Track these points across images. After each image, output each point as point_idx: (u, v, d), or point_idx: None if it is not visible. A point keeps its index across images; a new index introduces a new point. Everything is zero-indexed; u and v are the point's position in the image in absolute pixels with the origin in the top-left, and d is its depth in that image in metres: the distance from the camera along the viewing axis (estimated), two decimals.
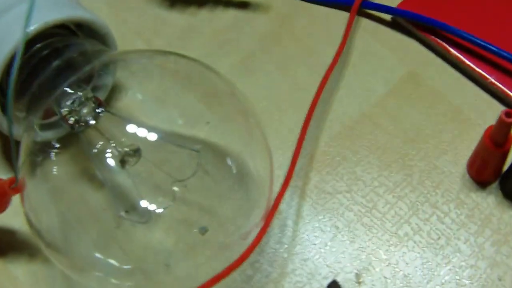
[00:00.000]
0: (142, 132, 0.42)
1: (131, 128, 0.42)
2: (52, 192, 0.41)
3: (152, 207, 0.41)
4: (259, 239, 0.38)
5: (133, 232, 0.42)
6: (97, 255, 0.40)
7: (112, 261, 0.40)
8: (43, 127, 0.43)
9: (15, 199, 0.41)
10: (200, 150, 0.42)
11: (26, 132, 0.40)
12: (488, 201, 0.45)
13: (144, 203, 0.41)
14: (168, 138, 0.42)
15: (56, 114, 0.42)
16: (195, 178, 0.41)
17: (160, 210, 0.41)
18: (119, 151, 0.41)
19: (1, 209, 0.42)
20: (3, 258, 0.46)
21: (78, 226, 0.41)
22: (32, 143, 0.40)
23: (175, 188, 0.41)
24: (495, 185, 0.45)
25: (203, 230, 0.41)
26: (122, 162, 0.41)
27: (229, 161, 0.42)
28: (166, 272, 0.40)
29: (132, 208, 0.41)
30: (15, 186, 0.40)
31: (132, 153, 0.41)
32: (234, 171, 0.42)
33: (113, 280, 0.40)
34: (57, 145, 0.42)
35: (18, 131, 0.41)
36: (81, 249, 0.40)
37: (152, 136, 0.42)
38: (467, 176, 0.46)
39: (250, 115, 0.42)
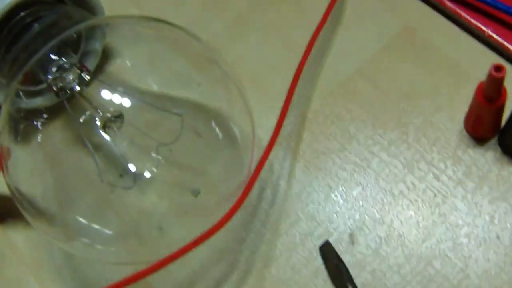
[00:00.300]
0: (126, 98, 0.40)
1: (115, 93, 0.41)
2: (41, 160, 0.40)
3: (139, 171, 0.40)
4: (242, 199, 0.36)
5: (125, 197, 0.40)
6: (89, 221, 0.39)
7: (105, 227, 0.39)
8: (31, 95, 0.42)
9: None
10: (183, 114, 0.40)
11: (7, 98, 0.38)
12: (487, 157, 0.42)
13: (131, 168, 0.40)
14: (152, 102, 0.41)
15: (42, 82, 0.40)
16: (182, 141, 0.39)
17: (147, 174, 0.39)
18: (103, 117, 0.39)
19: None
20: (2, 225, 0.45)
21: (68, 194, 0.40)
22: (15, 110, 0.39)
23: (161, 152, 0.39)
24: (493, 141, 0.42)
25: (196, 192, 0.39)
26: (106, 127, 0.39)
27: (213, 124, 0.41)
28: (159, 235, 0.39)
29: (120, 173, 0.40)
30: None
31: (115, 119, 0.39)
32: (219, 133, 0.41)
33: (99, 247, 0.39)
34: (45, 115, 0.41)
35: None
36: (71, 217, 0.39)
37: (137, 101, 0.41)
38: (465, 132, 0.43)
39: (233, 81, 0.40)
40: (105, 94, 0.40)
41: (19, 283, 0.44)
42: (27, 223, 0.43)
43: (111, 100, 0.40)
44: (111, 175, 0.40)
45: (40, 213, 0.38)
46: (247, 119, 0.39)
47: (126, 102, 0.40)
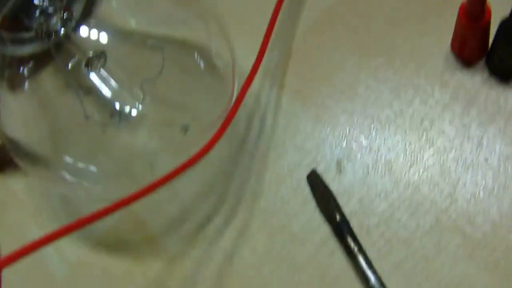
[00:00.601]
0: (110, 37, 0.39)
1: (100, 33, 0.39)
2: (30, 107, 0.39)
3: (126, 109, 0.38)
4: (226, 124, 0.36)
5: (116, 137, 0.39)
6: (82, 162, 0.38)
7: (98, 167, 0.38)
8: (17, 42, 0.39)
9: None
10: (163, 48, 0.38)
11: None
12: (474, 79, 0.40)
13: (118, 106, 0.38)
14: (135, 41, 0.39)
15: (28, 28, 0.38)
16: (166, 76, 0.38)
17: (134, 112, 0.38)
18: (85, 57, 0.38)
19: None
20: (2, 174, 0.45)
21: (59, 138, 0.39)
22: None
23: (146, 88, 0.38)
24: (481, 63, 0.40)
25: (185, 129, 0.38)
26: (89, 66, 0.38)
27: (195, 57, 0.39)
28: (150, 172, 0.38)
29: (110, 113, 0.38)
30: None
31: (97, 56, 0.38)
32: (201, 65, 0.39)
33: (94, 187, 0.38)
34: (31, 62, 0.39)
35: None
36: (65, 160, 0.38)
37: (121, 40, 0.39)
38: (451, 55, 0.41)
39: (213, 16, 0.39)
40: (89, 34, 0.39)
41: (20, 228, 0.44)
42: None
43: (95, 40, 0.38)
44: (101, 116, 0.38)
45: (33, 159, 0.38)
46: (227, 50, 0.38)
47: (109, 41, 0.39)
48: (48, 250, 0.41)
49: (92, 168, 0.38)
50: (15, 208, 0.45)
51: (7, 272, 0.31)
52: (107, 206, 0.32)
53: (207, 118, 0.39)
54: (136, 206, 0.40)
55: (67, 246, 0.42)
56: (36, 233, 0.41)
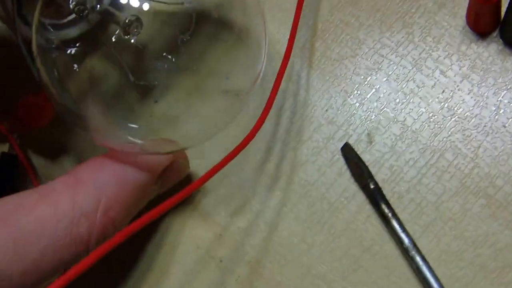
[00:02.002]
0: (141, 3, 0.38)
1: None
2: (80, 83, 0.39)
3: (167, 64, 0.38)
4: (268, 109, 0.36)
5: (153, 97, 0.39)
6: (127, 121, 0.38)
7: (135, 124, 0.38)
8: (59, 27, 0.39)
9: None
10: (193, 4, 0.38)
11: (37, 33, 0.37)
12: (490, 50, 0.40)
13: (158, 63, 0.38)
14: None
15: (69, 13, 0.39)
16: (199, 31, 0.38)
17: (171, 69, 0.38)
18: (123, 25, 0.38)
19: (47, 120, 0.42)
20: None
21: (103, 98, 0.39)
22: (45, 40, 0.38)
23: (180, 45, 0.38)
24: (495, 34, 0.40)
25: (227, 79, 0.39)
26: (127, 34, 0.38)
27: (230, 16, 0.39)
28: (187, 124, 0.38)
29: (148, 72, 0.39)
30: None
31: (133, 22, 0.38)
32: (235, 29, 0.39)
33: (133, 139, 0.38)
34: (77, 43, 0.39)
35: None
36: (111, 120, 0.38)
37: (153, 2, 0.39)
38: (467, 27, 0.41)
39: None
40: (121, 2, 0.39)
41: None
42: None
43: (130, 8, 0.38)
44: (140, 73, 0.38)
45: (81, 119, 0.37)
46: (260, 18, 0.38)
47: (141, 4, 0.38)
48: None
49: (135, 125, 0.38)
50: None
51: None
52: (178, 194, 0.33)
53: (240, 85, 0.39)
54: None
55: None
56: None
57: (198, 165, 0.42)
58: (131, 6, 0.38)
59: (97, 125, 0.37)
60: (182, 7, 0.39)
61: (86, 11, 0.38)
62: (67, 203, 0.32)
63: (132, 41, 0.38)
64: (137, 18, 0.38)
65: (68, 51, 0.38)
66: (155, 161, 0.37)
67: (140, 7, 0.38)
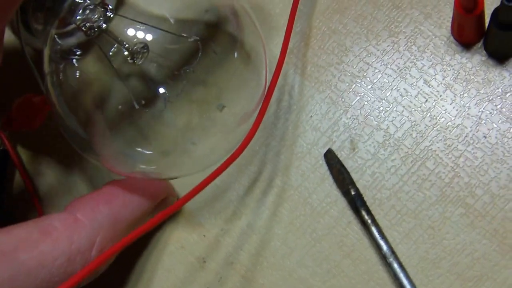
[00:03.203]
0: (147, 28, 0.37)
1: (137, 26, 0.37)
2: (77, 95, 0.38)
3: (168, 93, 0.37)
4: (262, 115, 0.36)
5: (158, 119, 0.38)
6: (129, 145, 0.38)
7: (144, 148, 0.38)
8: (62, 36, 0.39)
9: None
10: (199, 38, 0.37)
11: (46, 43, 0.37)
12: (473, 61, 0.38)
13: (161, 91, 0.37)
14: (170, 29, 0.38)
15: (72, 24, 0.38)
16: (201, 62, 0.37)
17: (175, 96, 0.37)
18: (130, 50, 0.37)
19: (40, 123, 0.41)
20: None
21: (106, 123, 0.38)
22: (53, 53, 0.37)
23: (185, 74, 0.37)
24: (479, 45, 0.39)
25: (220, 107, 0.37)
26: (133, 58, 0.37)
27: (227, 44, 0.38)
28: (193, 149, 0.37)
29: (152, 98, 0.37)
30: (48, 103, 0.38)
31: (140, 50, 0.37)
32: (235, 53, 0.38)
33: (142, 166, 0.37)
34: (78, 51, 0.38)
35: (39, 43, 0.39)
36: (114, 143, 0.38)
37: (157, 30, 0.38)
38: (452, 38, 0.39)
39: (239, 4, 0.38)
40: (128, 27, 0.37)
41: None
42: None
43: (135, 33, 0.37)
44: (142, 100, 0.37)
45: (86, 143, 0.37)
46: (257, 36, 0.37)
47: (148, 33, 0.37)
48: None
49: (139, 149, 0.37)
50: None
51: None
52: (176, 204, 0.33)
53: (240, 100, 0.38)
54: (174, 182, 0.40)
55: None
56: None
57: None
58: (137, 34, 0.37)
59: (103, 150, 0.37)
60: (190, 41, 0.38)
61: (92, 28, 0.37)
62: (65, 241, 0.33)
63: (137, 66, 0.37)
64: (145, 45, 0.37)
65: (71, 60, 0.38)
66: (157, 192, 0.38)
67: (147, 35, 0.37)
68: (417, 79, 0.39)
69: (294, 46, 0.41)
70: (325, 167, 0.39)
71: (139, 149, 0.37)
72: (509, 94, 0.37)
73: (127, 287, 0.41)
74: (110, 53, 0.37)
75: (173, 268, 0.41)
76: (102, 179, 0.44)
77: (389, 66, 0.40)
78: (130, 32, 0.37)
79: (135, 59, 0.36)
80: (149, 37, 0.37)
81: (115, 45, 0.37)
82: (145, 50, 0.37)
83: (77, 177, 0.45)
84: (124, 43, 0.37)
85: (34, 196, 0.44)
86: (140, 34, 0.37)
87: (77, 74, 0.38)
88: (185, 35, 0.38)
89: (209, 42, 0.37)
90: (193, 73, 0.37)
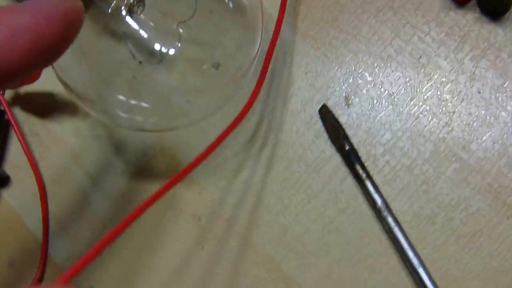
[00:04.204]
0: None
1: None
2: (78, 52, 0.36)
3: (165, 48, 0.35)
4: (261, 81, 0.35)
5: (155, 74, 0.36)
6: (127, 97, 0.36)
7: (142, 101, 0.36)
8: None
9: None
10: None
11: None
12: (467, 18, 0.37)
13: (157, 46, 0.35)
14: None
15: None
16: (198, 18, 0.35)
17: (171, 50, 0.35)
18: (126, 4, 0.35)
19: (35, 78, 0.39)
20: (49, 119, 0.44)
21: (106, 78, 0.36)
22: None
23: (180, 29, 0.35)
24: (473, 2, 0.37)
25: (216, 65, 0.36)
26: (130, 12, 0.35)
27: None
28: (188, 107, 0.36)
29: (147, 53, 0.36)
30: None
31: (137, 3, 0.35)
32: (230, 5, 0.37)
33: (139, 118, 0.36)
34: None
35: None
36: (110, 97, 0.36)
37: None
38: None
39: None
40: None
41: (64, 170, 0.42)
42: (67, 117, 0.41)
43: None
44: (140, 55, 0.35)
45: (85, 98, 0.36)
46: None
47: None
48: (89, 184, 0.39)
49: (136, 102, 0.36)
50: (58, 150, 0.43)
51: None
52: (172, 178, 0.31)
53: (236, 55, 0.37)
54: (170, 143, 0.38)
55: (106, 178, 0.40)
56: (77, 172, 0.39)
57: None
58: None
59: (100, 103, 0.36)
60: None
61: None
62: None
63: (135, 19, 0.35)
64: None
65: None
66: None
67: None
68: (411, 35, 0.38)
69: (289, 4, 0.40)
70: (319, 124, 0.38)
71: (135, 102, 0.35)
72: (503, 50, 0.36)
73: (121, 247, 0.40)
74: (109, 10, 0.35)
75: (168, 225, 0.39)
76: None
77: (383, 23, 0.38)
78: None
79: (132, 12, 0.35)
80: None
81: (114, 2, 0.35)
82: (141, 4, 0.35)
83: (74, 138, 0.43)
84: None
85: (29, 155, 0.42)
86: None
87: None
88: None
89: None
90: (189, 28, 0.35)
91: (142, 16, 0.35)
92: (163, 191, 0.29)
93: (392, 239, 0.35)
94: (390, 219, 0.35)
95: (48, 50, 0.21)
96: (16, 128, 0.43)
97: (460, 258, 0.34)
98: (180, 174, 0.31)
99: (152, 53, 0.35)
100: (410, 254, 0.34)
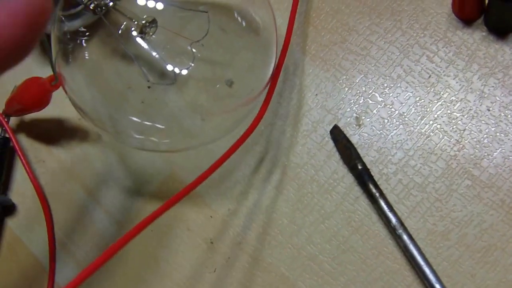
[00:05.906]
0: (155, 4, 0.38)
1: (145, 2, 0.38)
2: (89, 75, 0.38)
3: (177, 68, 0.37)
4: (270, 95, 0.36)
5: (168, 95, 0.38)
6: (141, 119, 0.38)
7: (155, 122, 0.38)
8: (70, 18, 0.40)
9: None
10: (208, 10, 0.38)
11: (53, 25, 0.38)
12: (474, 36, 0.40)
13: (169, 67, 0.37)
14: (179, 4, 0.39)
15: (79, 4, 0.39)
16: (211, 37, 0.37)
17: (184, 71, 0.37)
18: (138, 25, 0.37)
19: (44, 105, 0.41)
20: (55, 146, 0.45)
21: (117, 100, 0.38)
22: (61, 34, 0.38)
23: (194, 49, 0.37)
24: (480, 21, 0.40)
25: (229, 82, 0.38)
26: (142, 34, 0.37)
27: (237, 16, 0.38)
28: (202, 125, 0.38)
29: (160, 74, 0.38)
30: (55, 83, 0.39)
31: (149, 24, 0.37)
32: (243, 24, 0.39)
33: (154, 139, 0.38)
34: (87, 32, 0.38)
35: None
36: (123, 119, 0.38)
37: (166, 5, 0.38)
38: (453, 15, 0.40)
39: None
40: (136, 3, 0.38)
41: (71, 196, 0.44)
42: (76, 144, 0.43)
43: (142, 8, 0.38)
44: (152, 77, 0.38)
45: (98, 120, 0.38)
46: (267, 8, 0.38)
47: (157, 7, 0.38)
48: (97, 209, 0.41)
49: (150, 123, 0.38)
50: (66, 177, 0.44)
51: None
52: (178, 194, 0.33)
53: (250, 76, 0.39)
54: (180, 167, 0.40)
55: (113, 201, 0.41)
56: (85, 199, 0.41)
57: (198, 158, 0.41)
58: (144, 8, 0.38)
59: (113, 125, 0.37)
60: (198, 13, 0.38)
61: (99, 6, 0.37)
62: None
63: (147, 41, 0.37)
64: (153, 19, 0.37)
65: (78, 41, 0.38)
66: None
67: (156, 8, 0.38)
68: (420, 55, 0.40)
69: (298, 27, 0.42)
70: (331, 144, 0.40)
71: (149, 123, 0.37)
72: (510, 67, 0.38)
73: (134, 271, 0.41)
74: (120, 31, 0.37)
75: (181, 250, 0.41)
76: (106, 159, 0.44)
77: (392, 43, 0.41)
78: (137, 6, 0.38)
79: (145, 34, 0.37)
80: (157, 9, 0.38)
81: (124, 23, 0.37)
82: (154, 25, 0.37)
83: (80, 165, 0.45)
84: (132, 19, 0.37)
85: (35, 182, 0.44)
86: (148, 9, 0.38)
87: (86, 54, 0.38)
88: (193, 8, 0.38)
89: (217, 16, 0.38)
90: (202, 48, 0.37)
91: (153, 36, 0.37)
92: (165, 209, 0.31)
93: (407, 256, 0.37)
94: (405, 237, 0.37)
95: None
96: (21, 155, 0.44)
97: (476, 273, 0.36)
98: (181, 193, 0.32)
99: (164, 74, 0.38)
100: (427, 270, 0.36)
